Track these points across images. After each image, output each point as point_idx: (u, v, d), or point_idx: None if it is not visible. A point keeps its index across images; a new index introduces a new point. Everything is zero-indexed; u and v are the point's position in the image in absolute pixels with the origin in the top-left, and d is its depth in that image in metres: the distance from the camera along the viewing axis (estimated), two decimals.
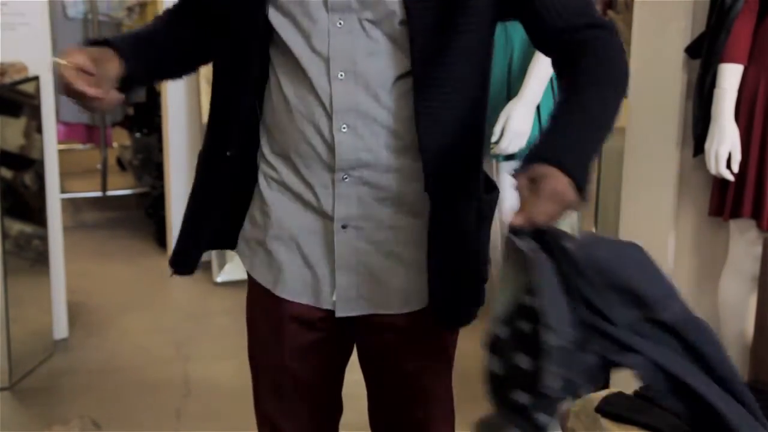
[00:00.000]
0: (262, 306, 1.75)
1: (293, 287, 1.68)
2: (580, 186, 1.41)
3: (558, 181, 1.39)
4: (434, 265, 1.63)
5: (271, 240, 1.68)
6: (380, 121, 1.59)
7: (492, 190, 1.72)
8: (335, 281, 1.66)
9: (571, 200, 1.40)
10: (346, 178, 1.61)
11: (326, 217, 1.64)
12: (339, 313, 1.67)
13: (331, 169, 1.60)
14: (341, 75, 1.56)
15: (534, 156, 1.43)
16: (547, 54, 1.63)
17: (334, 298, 1.67)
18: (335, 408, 1.86)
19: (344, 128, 1.58)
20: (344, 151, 1.59)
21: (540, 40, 1.62)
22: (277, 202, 1.67)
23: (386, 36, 1.56)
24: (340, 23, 1.55)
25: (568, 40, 1.56)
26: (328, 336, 1.73)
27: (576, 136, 1.47)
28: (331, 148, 1.59)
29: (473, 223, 1.66)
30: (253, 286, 1.77)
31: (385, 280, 1.66)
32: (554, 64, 1.62)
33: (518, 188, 1.39)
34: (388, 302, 1.68)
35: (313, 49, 1.57)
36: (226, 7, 1.61)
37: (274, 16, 1.58)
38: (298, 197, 1.66)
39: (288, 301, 1.69)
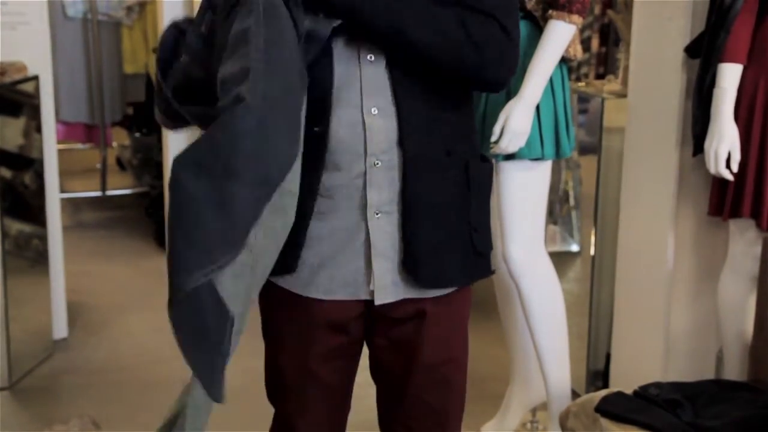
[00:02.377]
0: (286, 312, 1.75)
1: (327, 286, 1.68)
2: None
3: None
4: (412, 224, 1.66)
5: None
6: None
7: (485, 161, 1.76)
8: (372, 270, 1.66)
9: None
10: (377, 163, 1.62)
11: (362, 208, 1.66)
12: (378, 301, 1.68)
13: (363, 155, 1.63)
14: (371, 57, 1.62)
15: None
16: None
17: (371, 288, 1.67)
18: (347, 407, 1.88)
19: (375, 111, 1.61)
20: (377, 134, 1.61)
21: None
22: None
23: None
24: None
25: None
26: (353, 338, 1.74)
27: None
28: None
29: (460, 183, 1.69)
30: (271, 293, 1.77)
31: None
32: None
33: None
34: (421, 286, 1.70)
35: (346, 42, 1.61)
36: None
37: None
38: None
39: (318, 304, 1.69)
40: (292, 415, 1.84)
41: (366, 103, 1.61)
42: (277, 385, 1.85)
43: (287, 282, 1.71)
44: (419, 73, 1.63)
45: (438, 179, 1.67)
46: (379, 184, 1.64)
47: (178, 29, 1.64)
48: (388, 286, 1.68)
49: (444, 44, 1.59)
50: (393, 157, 1.64)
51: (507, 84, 1.72)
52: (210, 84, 1.48)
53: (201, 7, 1.57)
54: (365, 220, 1.65)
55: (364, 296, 1.69)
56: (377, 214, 1.65)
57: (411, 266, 1.67)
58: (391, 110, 1.63)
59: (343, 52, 1.62)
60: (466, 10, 1.61)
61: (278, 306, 1.77)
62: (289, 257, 1.65)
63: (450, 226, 1.70)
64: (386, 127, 1.62)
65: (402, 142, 1.63)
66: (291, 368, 1.80)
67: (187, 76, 1.55)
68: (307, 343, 1.75)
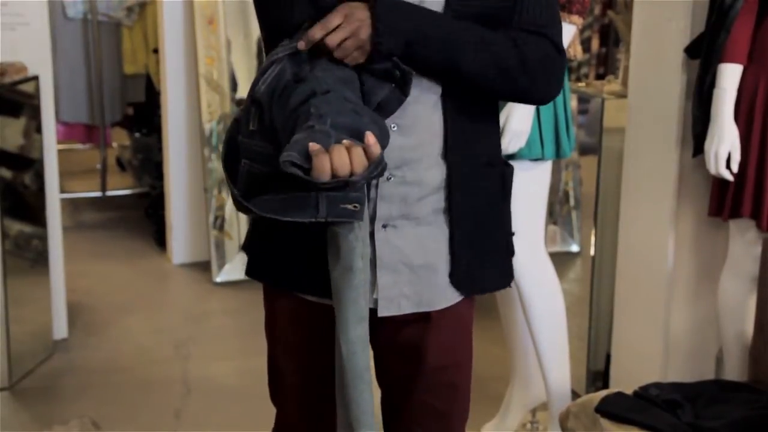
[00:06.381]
0: (289, 313, 1.75)
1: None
2: (382, 28, 1.53)
3: (358, 7, 1.53)
4: (459, 232, 1.68)
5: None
6: (424, 116, 1.64)
7: (507, 164, 1.79)
8: (377, 280, 1.67)
9: (361, 25, 1.52)
10: (390, 177, 1.63)
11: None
12: (382, 313, 1.68)
13: None
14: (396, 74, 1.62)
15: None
16: None
17: (375, 296, 1.68)
18: None
19: (394, 128, 1.61)
20: (391, 150, 1.61)
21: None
22: None
23: None
24: None
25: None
26: None
27: (419, 13, 1.58)
28: None
29: (498, 191, 1.74)
30: (275, 293, 1.77)
31: (425, 276, 1.68)
32: None
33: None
34: (429, 299, 1.70)
35: None
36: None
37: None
38: None
39: (320, 306, 1.68)
40: (294, 417, 1.84)
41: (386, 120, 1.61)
42: (278, 386, 1.85)
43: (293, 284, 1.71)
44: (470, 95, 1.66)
45: (480, 190, 1.70)
46: (390, 198, 1.64)
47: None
48: (393, 299, 1.68)
49: (498, 74, 1.63)
50: (406, 173, 1.63)
51: (554, 98, 1.76)
52: (279, 176, 1.47)
53: (245, 107, 1.57)
54: (372, 232, 1.65)
55: (368, 305, 1.69)
56: (384, 226, 1.65)
57: (461, 278, 1.70)
58: (410, 127, 1.63)
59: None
60: (520, 32, 1.64)
61: (281, 306, 1.77)
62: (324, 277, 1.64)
63: (492, 234, 1.74)
64: (401, 144, 1.62)
65: (447, 156, 1.65)
66: (293, 369, 1.80)
67: (254, 176, 1.54)
68: (309, 344, 1.75)
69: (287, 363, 1.81)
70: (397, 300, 1.68)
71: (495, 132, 1.76)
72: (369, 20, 1.53)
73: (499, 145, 1.78)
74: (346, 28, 1.52)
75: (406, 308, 1.69)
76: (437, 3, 1.60)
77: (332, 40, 1.52)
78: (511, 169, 1.79)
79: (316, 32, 1.53)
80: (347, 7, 1.54)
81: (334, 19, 1.53)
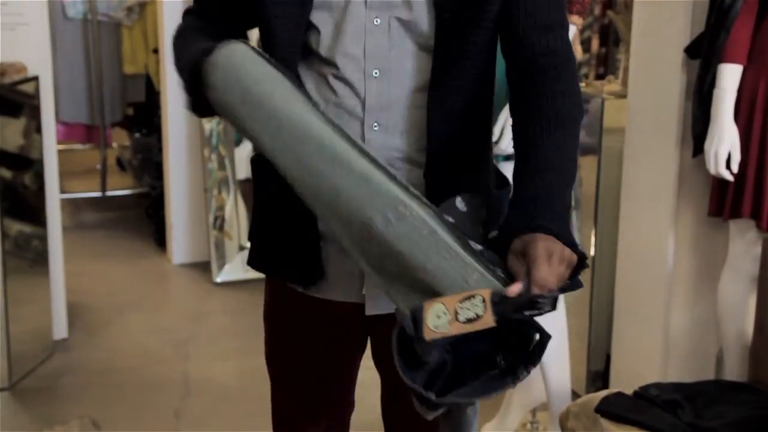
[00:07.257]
0: (284, 303, 1.75)
1: (320, 285, 1.68)
2: (571, 243, 1.46)
3: (556, 244, 1.43)
4: None
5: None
6: (412, 119, 1.61)
7: (504, 185, 1.73)
8: (364, 279, 1.66)
9: (572, 257, 1.45)
10: None
11: None
12: (369, 312, 1.68)
13: None
14: (376, 73, 1.59)
15: (517, 227, 1.46)
16: (511, 72, 1.63)
17: (363, 292, 1.67)
18: (350, 405, 1.88)
19: (375, 127, 1.60)
20: (376, 150, 1.59)
21: (507, 49, 1.62)
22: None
23: (414, 35, 1.59)
24: (376, 21, 1.58)
25: (525, 60, 1.58)
26: (351, 329, 1.74)
27: (547, 197, 1.51)
28: None
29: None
30: (273, 289, 1.77)
31: None
32: (511, 93, 1.63)
33: (512, 260, 1.44)
34: None
35: (347, 48, 1.59)
36: (270, 12, 1.60)
37: (315, 15, 1.59)
38: None
39: (317, 299, 1.69)
40: (295, 416, 1.84)
41: (368, 118, 1.60)
42: (277, 386, 1.85)
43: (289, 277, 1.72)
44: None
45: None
46: None
47: None
48: (380, 297, 1.67)
49: (577, 124, 1.61)
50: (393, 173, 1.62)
51: None
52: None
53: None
54: None
55: (357, 300, 1.69)
56: None
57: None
58: (399, 125, 1.61)
59: (348, 65, 1.60)
60: (540, 62, 1.58)
61: (277, 297, 1.77)
62: (315, 270, 1.66)
63: None
64: (386, 145, 1.60)
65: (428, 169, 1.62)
66: (291, 365, 1.80)
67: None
68: (307, 337, 1.75)
69: (282, 342, 1.81)
70: (383, 300, 1.67)
71: (485, 141, 1.70)
72: (557, 239, 1.45)
73: (488, 163, 1.72)
74: (556, 262, 1.42)
75: (392, 307, 1.69)
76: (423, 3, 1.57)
77: (552, 281, 1.42)
78: (500, 193, 1.72)
79: (549, 279, 1.41)
80: (537, 245, 1.43)
81: (544, 262, 1.42)
